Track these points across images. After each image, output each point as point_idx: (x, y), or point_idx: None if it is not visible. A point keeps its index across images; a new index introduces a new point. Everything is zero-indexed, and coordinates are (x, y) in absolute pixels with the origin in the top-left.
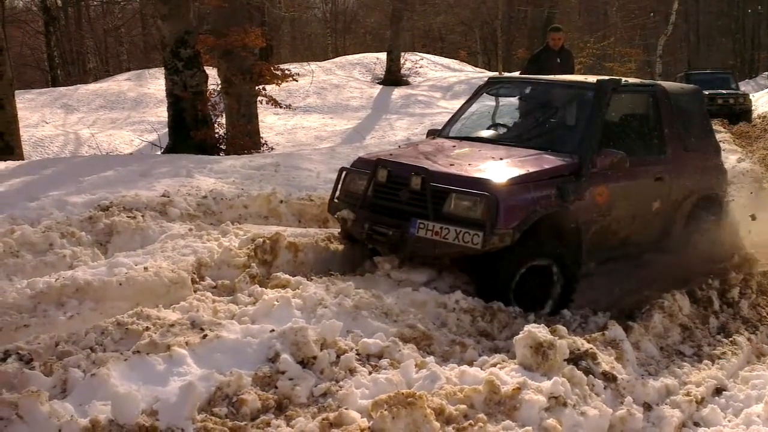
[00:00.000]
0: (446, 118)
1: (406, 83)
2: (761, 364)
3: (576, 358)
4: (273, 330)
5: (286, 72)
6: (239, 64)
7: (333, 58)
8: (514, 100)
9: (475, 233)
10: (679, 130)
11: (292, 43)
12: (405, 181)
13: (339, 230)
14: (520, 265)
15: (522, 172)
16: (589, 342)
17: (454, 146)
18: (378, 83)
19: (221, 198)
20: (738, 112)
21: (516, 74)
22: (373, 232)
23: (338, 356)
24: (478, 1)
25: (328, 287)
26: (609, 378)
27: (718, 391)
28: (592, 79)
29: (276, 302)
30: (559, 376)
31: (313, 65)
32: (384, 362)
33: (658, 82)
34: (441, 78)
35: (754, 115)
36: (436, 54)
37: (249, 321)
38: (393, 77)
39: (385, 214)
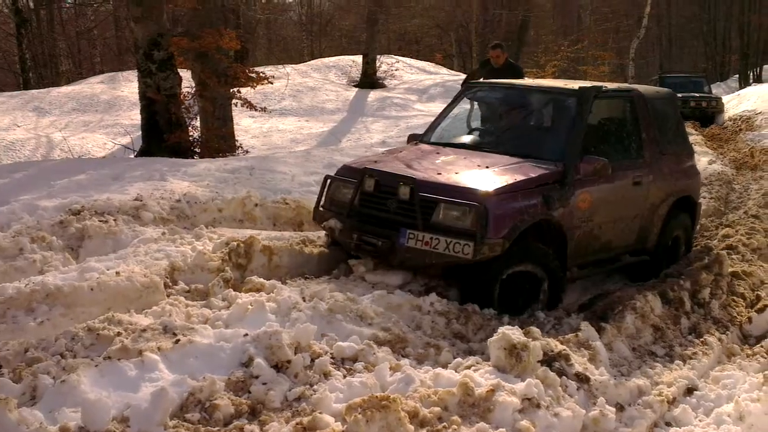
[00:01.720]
0: (422, 120)
1: (382, 86)
2: (731, 364)
3: (549, 360)
4: (247, 334)
5: (262, 75)
6: (214, 67)
7: (309, 60)
8: (495, 106)
9: (465, 243)
10: (655, 134)
11: (268, 45)
12: (393, 190)
13: (325, 238)
14: (501, 272)
15: (510, 181)
16: (562, 343)
17: (438, 153)
18: (354, 86)
19: (195, 201)
20: (710, 115)
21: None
22: (362, 242)
23: (313, 360)
24: (454, 4)
25: (303, 291)
26: (582, 379)
27: (690, 391)
28: (573, 85)
29: (250, 306)
30: (533, 377)
31: (289, 68)
32: (359, 365)
33: (635, 86)
34: (417, 81)
35: (725, 117)
36: (411, 57)
37: (222, 325)
38: (369, 80)
39: (373, 223)
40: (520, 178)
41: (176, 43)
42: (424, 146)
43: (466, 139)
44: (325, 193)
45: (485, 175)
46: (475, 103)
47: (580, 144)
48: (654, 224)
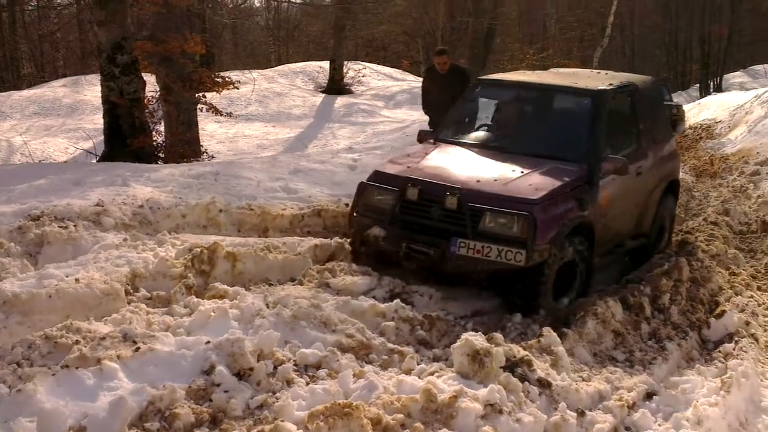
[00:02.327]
0: (389, 126)
1: (349, 92)
2: (690, 369)
3: (512, 365)
4: (209, 342)
5: (227, 79)
6: (178, 71)
7: (276, 66)
8: (512, 104)
9: (518, 251)
10: (649, 124)
11: (235, 50)
12: (438, 199)
13: (352, 245)
14: (555, 268)
15: (550, 188)
16: (525, 349)
17: (465, 156)
18: (321, 92)
19: (158, 207)
20: (672, 123)
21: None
22: (412, 250)
23: (275, 367)
24: (421, 11)
25: (267, 297)
26: (544, 384)
27: (649, 395)
28: (591, 85)
29: (213, 313)
30: (496, 383)
31: (255, 73)
32: (322, 372)
33: (630, 78)
34: (384, 87)
35: (686, 126)
36: (378, 63)
37: (184, 333)
38: (336, 86)
39: (418, 231)
40: (557, 183)
41: (140, 47)
42: (446, 146)
43: (488, 138)
44: (360, 199)
45: (525, 182)
46: (487, 100)
47: (603, 144)
48: (649, 209)
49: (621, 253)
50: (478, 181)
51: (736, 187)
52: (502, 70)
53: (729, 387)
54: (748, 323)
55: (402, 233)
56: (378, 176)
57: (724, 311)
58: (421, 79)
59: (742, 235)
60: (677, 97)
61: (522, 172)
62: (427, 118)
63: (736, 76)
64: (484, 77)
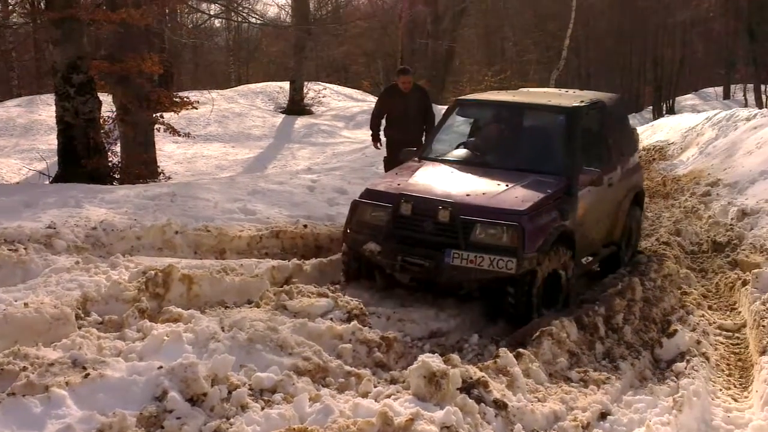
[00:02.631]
0: (349, 147)
1: (309, 112)
2: (643, 389)
3: (468, 387)
4: (161, 367)
5: (186, 99)
6: (136, 91)
7: (235, 86)
8: (492, 122)
9: (509, 260)
10: (617, 138)
11: (194, 70)
12: (431, 213)
13: (344, 262)
14: (543, 275)
15: (535, 199)
16: (481, 370)
17: (451, 172)
18: (281, 112)
19: (112, 229)
20: None
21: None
22: (406, 263)
23: (230, 392)
24: (381, 33)
25: (222, 320)
26: (500, 406)
27: (603, 415)
28: (565, 103)
29: (166, 337)
30: (452, 405)
31: (215, 93)
32: (277, 397)
33: (598, 95)
34: (344, 108)
35: (640, 147)
36: (339, 84)
37: (136, 358)
38: (296, 106)
39: (412, 245)
40: (541, 195)
41: (97, 66)
42: (431, 164)
43: (469, 155)
44: (353, 216)
45: (512, 194)
46: (465, 118)
47: (579, 157)
48: (619, 218)
49: (596, 261)
50: (468, 195)
51: (687, 208)
52: (461, 92)
53: (681, 406)
54: (699, 342)
55: (397, 247)
56: (370, 194)
57: (675, 330)
58: None
59: (693, 255)
60: (631, 119)
61: (507, 185)
62: (369, 133)
63: (688, 99)
64: (463, 97)
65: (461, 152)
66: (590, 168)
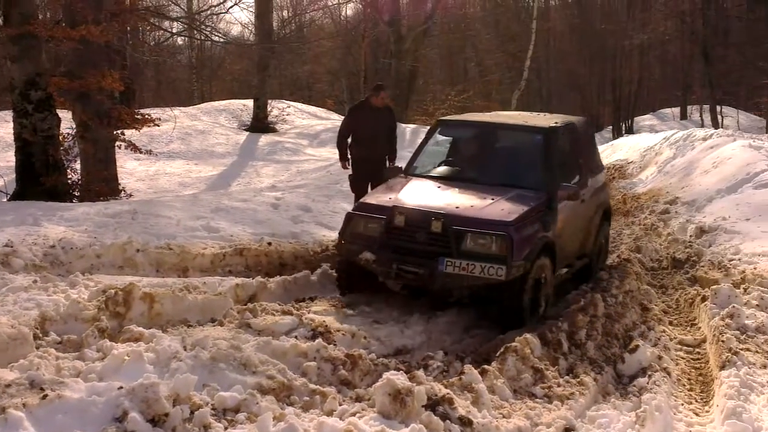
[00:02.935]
0: (314, 165)
1: (273, 130)
2: (606, 404)
3: (434, 404)
4: (121, 387)
5: (147, 116)
6: (96, 108)
7: (198, 103)
8: (475, 141)
9: (498, 267)
10: (587, 157)
11: (157, 87)
12: (424, 224)
13: (338, 272)
14: (529, 282)
15: (520, 211)
16: (446, 387)
17: (439, 187)
18: (245, 130)
19: (71, 247)
20: None
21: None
22: (402, 271)
23: (192, 412)
24: (344, 52)
25: (185, 339)
26: (465, 422)
27: (567, 431)
28: (542, 124)
29: (127, 357)
30: (417, 422)
31: (177, 110)
32: (241, 416)
33: (569, 118)
34: (308, 126)
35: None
36: (303, 102)
37: (96, 378)
38: (260, 124)
39: (407, 254)
40: (525, 208)
41: (56, 83)
42: (418, 180)
43: (454, 171)
44: (347, 228)
45: (498, 207)
46: (444, 137)
47: (557, 174)
48: (591, 233)
49: (571, 272)
50: (457, 207)
51: (647, 225)
52: (425, 111)
53: (643, 421)
54: (660, 357)
55: (391, 256)
56: (363, 207)
57: (637, 346)
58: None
59: (653, 271)
60: None
61: (493, 198)
62: (334, 151)
63: (646, 119)
64: (445, 118)
65: (446, 169)
66: (567, 184)
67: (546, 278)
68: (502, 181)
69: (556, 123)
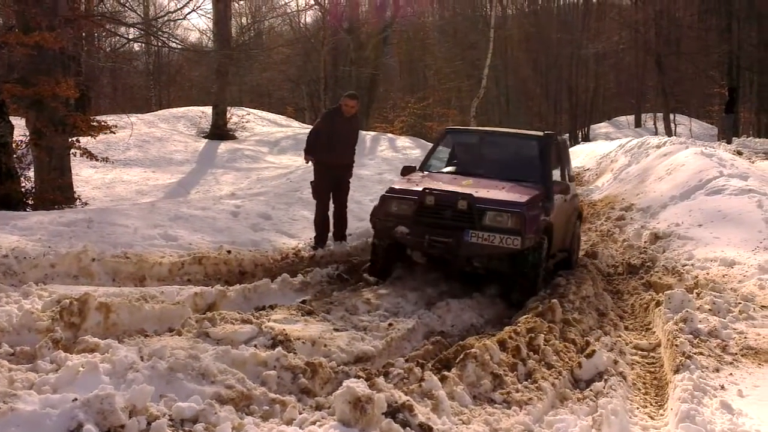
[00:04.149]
0: (274, 172)
1: (233, 137)
2: (564, 408)
3: (394, 411)
4: (76, 399)
5: (103, 124)
6: (50, 115)
7: (156, 110)
8: (481, 145)
9: (515, 238)
10: (566, 165)
11: (113, 94)
12: (452, 203)
13: (372, 255)
14: (544, 257)
15: (529, 196)
16: (406, 394)
17: (455, 178)
18: (203, 137)
19: (24, 257)
20: None
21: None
22: (433, 241)
23: (149, 423)
24: (304, 59)
25: (141, 349)
26: (425, 429)
27: None
28: (539, 133)
29: (81, 368)
30: (377, 430)
31: (134, 117)
32: (199, 427)
33: (549, 132)
34: (268, 133)
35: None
36: (263, 109)
37: (50, 390)
38: (219, 131)
39: (437, 227)
40: (531, 194)
41: (9, 90)
42: (435, 174)
43: (465, 168)
44: (381, 207)
45: (510, 192)
46: (453, 142)
47: (551, 172)
48: (570, 229)
49: (555, 261)
50: (477, 191)
51: (603, 232)
52: (385, 118)
53: (600, 425)
54: (616, 362)
55: (423, 230)
56: (394, 191)
57: (594, 351)
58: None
59: (609, 277)
60: None
61: (503, 187)
62: (305, 159)
63: (602, 127)
64: (453, 127)
65: (457, 167)
66: (558, 180)
67: (545, 259)
68: (508, 176)
69: (548, 132)
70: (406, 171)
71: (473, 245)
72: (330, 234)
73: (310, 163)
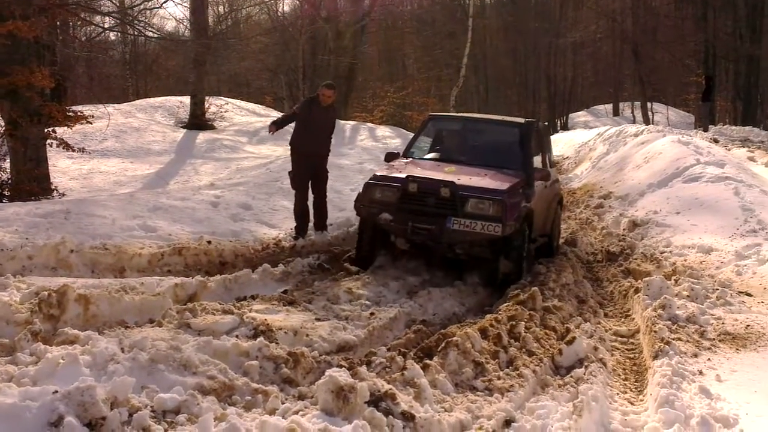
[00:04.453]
0: (254, 162)
1: (212, 127)
2: (545, 395)
3: (376, 400)
4: (56, 391)
5: (80, 114)
6: (25, 105)
7: (133, 100)
8: (464, 132)
9: (496, 224)
10: (547, 153)
11: (89, 84)
12: (434, 191)
13: (359, 231)
14: (527, 241)
15: (510, 184)
16: (389, 382)
17: (438, 165)
18: (182, 127)
19: (1, 249)
20: None
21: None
22: (416, 228)
23: (131, 415)
24: (283, 48)
25: (122, 341)
26: (408, 417)
27: (508, 423)
28: (521, 120)
29: (61, 360)
30: (360, 419)
31: (111, 107)
32: (181, 418)
33: (531, 120)
34: (247, 123)
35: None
36: (241, 99)
37: (30, 383)
38: (197, 121)
39: (419, 214)
40: (512, 181)
41: None
42: (418, 161)
43: (448, 155)
44: (364, 194)
45: (492, 180)
46: (436, 130)
47: (532, 159)
48: (550, 215)
49: (536, 246)
50: (459, 179)
51: (582, 220)
52: (364, 108)
53: (581, 411)
54: (596, 348)
55: (406, 216)
56: (378, 178)
57: (574, 338)
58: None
59: (589, 264)
60: None
61: (485, 174)
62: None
63: (580, 115)
64: (435, 114)
65: (440, 154)
66: (539, 167)
67: (527, 243)
68: (490, 162)
69: (529, 119)
70: (390, 157)
71: (455, 232)
72: (311, 224)
73: (273, 130)
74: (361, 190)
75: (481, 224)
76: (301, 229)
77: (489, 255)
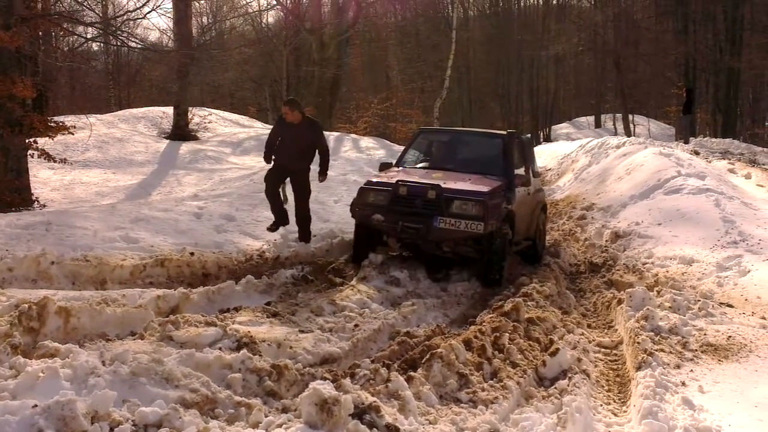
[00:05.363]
0: (237, 173)
1: (195, 138)
2: (529, 406)
3: (360, 412)
4: (36, 405)
5: (62, 124)
6: (6, 115)
7: (116, 110)
8: (450, 142)
9: (478, 223)
10: (530, 162)
11: (71, 94)
12: (422, 193)
13: (355, 242)
14: (511, 243)
15: (491, 187)
16: (373, 395)
17: (427, 171)
18: (165, 138)
19: None
20: None
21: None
22: (405, 227)
23: (112, 429)
24: (267, 59)
25: (103, 354)
26: (392, 430)
27: None
28: (503, 132)
29: (41, 374)
30: (344, 431)
31: (93, 118)
32: (163, 431)
33: (513, 131)
34: (231, 133)
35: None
36: (225, 109)
37: (9, 396)
38: (180, 132)
39: (409, 215)
40: (494, 185)
41: None
42: (409, 169)
43: (436, 163)
44: (359, 198)
45: (475, 184)
46: (425, 142)
47: (513, 166)
48: (534, 221)
49: (518, 249)
50: (445, 182)
51: (565, 231)
52: (349, 118)
53: (565, 422)
54: (580, 360)
55: (397, 217)
56: (371, 183)
57: (558, 349)
58: (269, 125)
59: (572, 275)
60: None
61: (468, 179)
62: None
63: (563, 127)
64: (426, 128)
65: (429, 162)
66: (520, 173)
67: (508, 245)
68: (474, 169)
69: (510, 131)
70: (384, 167)
71: (441, 230)
72: (295, 235)
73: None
74: (356, 195)
75: (465, 223)
76: (281, 219)
77: (474, 254)
